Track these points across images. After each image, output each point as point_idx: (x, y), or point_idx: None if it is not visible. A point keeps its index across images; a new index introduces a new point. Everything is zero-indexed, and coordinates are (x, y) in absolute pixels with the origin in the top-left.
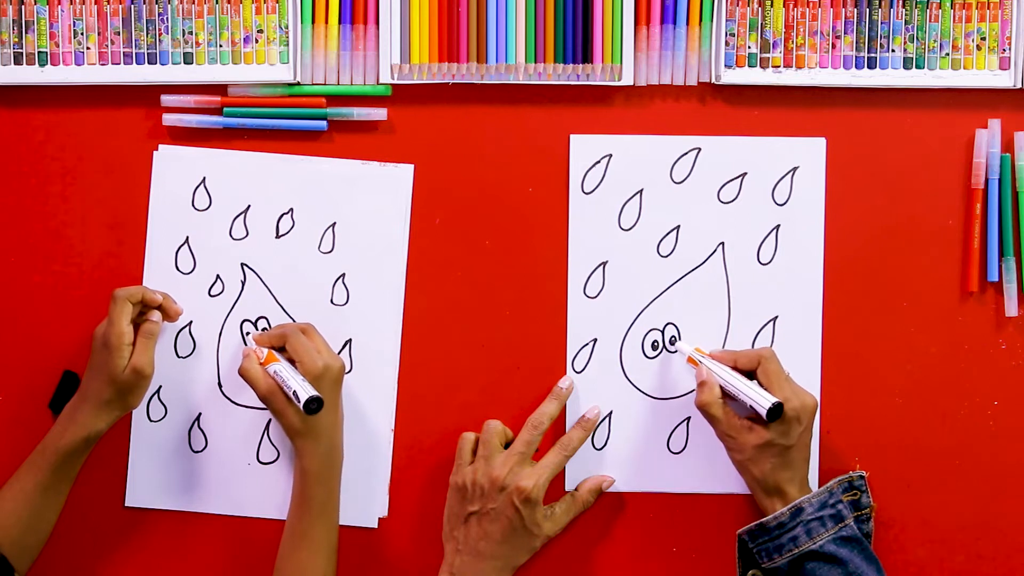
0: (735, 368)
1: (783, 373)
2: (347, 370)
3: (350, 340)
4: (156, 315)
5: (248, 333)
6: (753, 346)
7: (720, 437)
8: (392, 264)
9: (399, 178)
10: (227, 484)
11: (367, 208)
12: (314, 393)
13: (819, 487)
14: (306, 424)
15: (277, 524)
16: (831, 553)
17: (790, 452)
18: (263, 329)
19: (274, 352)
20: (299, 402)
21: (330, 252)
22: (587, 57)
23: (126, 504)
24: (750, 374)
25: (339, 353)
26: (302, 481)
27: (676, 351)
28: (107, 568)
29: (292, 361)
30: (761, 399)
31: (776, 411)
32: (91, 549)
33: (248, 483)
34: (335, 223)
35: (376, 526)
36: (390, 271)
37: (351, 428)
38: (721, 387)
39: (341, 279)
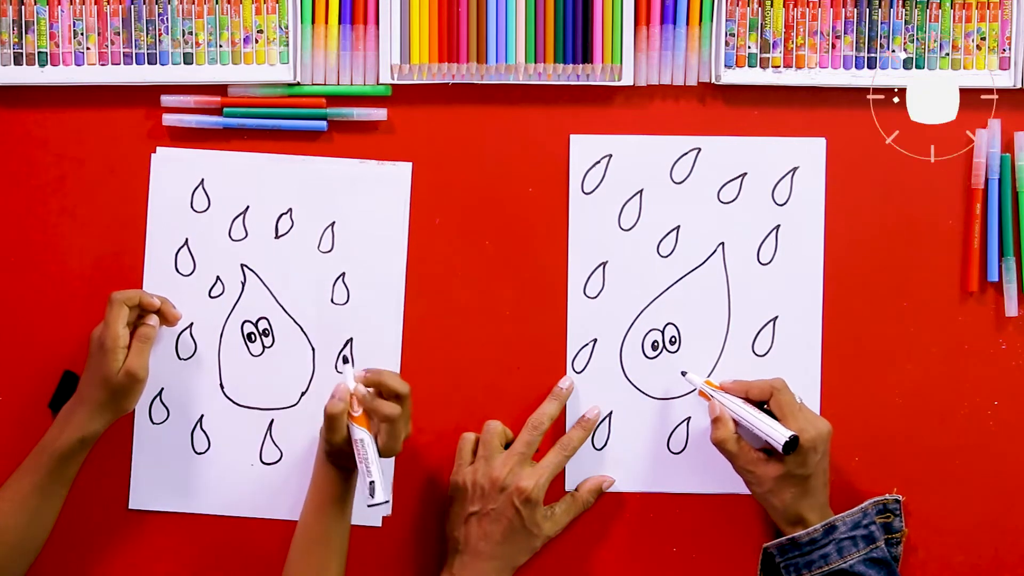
0: (746, 399)
1: (795, 402)
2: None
3: (351, 339)
4: (153, 319)
5: (346, 362)
6: (753, 347)
7: (738, 472)
8: (392, 262)
9: (397, 176)
10: (230, 485)
11: (366, 207)
12: (388, 499)
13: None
14: (346, 479)
15: (281, 524)
16: (860, 573)
17: (809, 481)
18: (346, 362)
19: (366, 416)
20: (370, 495)
21: (329, 251)
22: (587, 57)
23: (129, 507)
24: (761, 404)
25: (340, 352)
26: (321, 488)
27: (686, 381)
28: (111, 571)
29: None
30: (776, 433)
31: (792, 444)
32: (95, 552)
33: (251, 484)
34: (334, 222)
35: (380, 525)
36: (390, 269)
37: None
38: (735, 420)
39: (341, 278)
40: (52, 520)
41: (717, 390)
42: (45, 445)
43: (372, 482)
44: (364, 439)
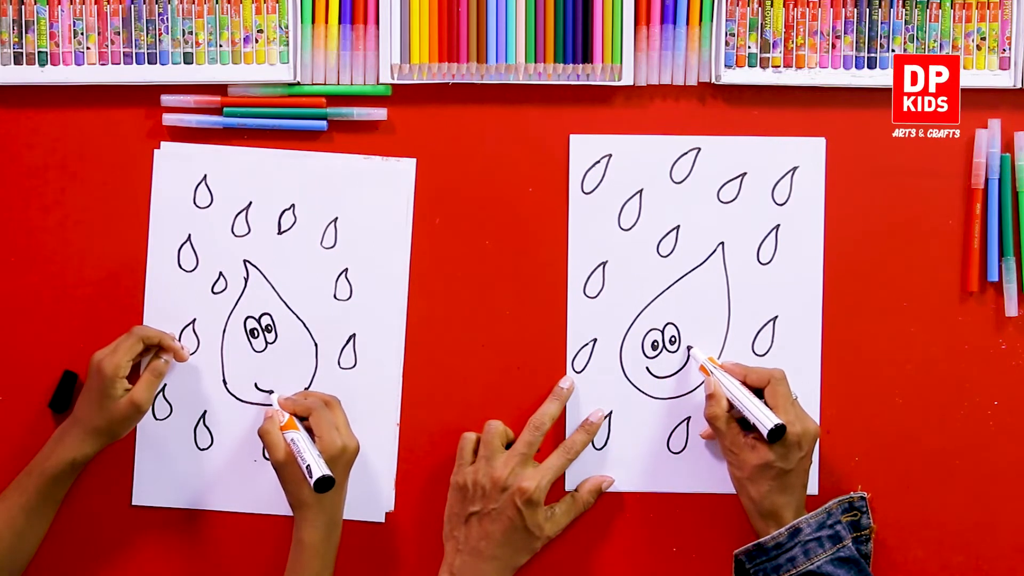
0: (744, 383)
1: (791, 396)
2: (351, 365)
3: (354, 335)
4: (168, 356)
5: (271, 392)
6: (753, 347)
7: (723, 451)
8: (395, 259)
9: (401, 172)
10: (233, 481)
11: (369, 203)
12: (327, 473)
13: (818, 492)
14: (313, 497)
15: (284, 520)
16: (828, 574)
17: (788, 476)
18: (270, 393)
19: (295, 419)
20: (311, 477)
21: (332, 247)
22: (587, 57)
23: (133, 503)
24: (759, 392)
25: (343, 348)
26: (298, 552)
27: (688, 355)
28: (115, 567)
29: (311, 432)
30: (764, 419)
31: (778, 432)
32: (99, 548)
33: (254, 479)
34: (337, 218)
35: (383, 520)
36: (393, 266)
37: (358, 422)
38: (728, 400)
39: (344, 274)
40: (37, 541)
41: (717, 367)
42: (36, 464)
43: (308, 465)
44: (295, 437)
